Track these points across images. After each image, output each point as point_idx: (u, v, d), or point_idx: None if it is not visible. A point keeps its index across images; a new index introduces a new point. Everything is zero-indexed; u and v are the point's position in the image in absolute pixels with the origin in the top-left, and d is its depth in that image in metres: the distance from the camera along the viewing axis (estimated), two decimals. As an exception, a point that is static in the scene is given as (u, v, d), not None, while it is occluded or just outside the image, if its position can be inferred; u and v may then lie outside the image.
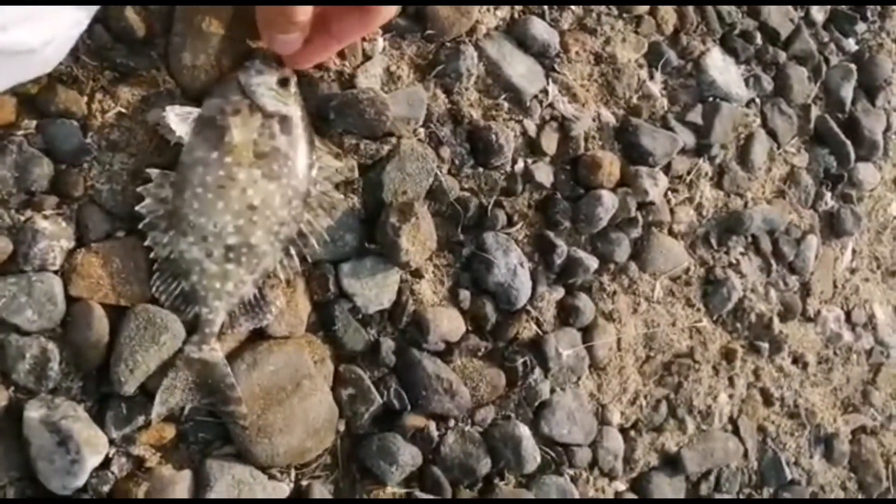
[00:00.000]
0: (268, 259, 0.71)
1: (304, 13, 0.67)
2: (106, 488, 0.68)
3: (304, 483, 0.77)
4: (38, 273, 0.67)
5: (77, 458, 0.65)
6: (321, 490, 0.77)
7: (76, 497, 0.67)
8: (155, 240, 0.69)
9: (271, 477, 0.75)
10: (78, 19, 0.63)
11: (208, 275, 0.69)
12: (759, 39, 1.04)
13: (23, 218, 0.67)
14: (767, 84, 1.04)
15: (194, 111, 0.70)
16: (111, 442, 0.69)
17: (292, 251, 0.73)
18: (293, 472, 0.76)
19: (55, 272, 0.68)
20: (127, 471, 0.70)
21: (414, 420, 0.80)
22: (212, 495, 0.71)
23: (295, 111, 0.72)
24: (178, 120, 0.68)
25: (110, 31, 0.71)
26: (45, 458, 0.65)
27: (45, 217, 0.68)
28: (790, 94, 1.05)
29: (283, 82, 0.72)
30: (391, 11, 0.70)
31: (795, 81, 1.06)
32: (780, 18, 1.05)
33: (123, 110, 0.71)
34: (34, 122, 0.68)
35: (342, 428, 0.79)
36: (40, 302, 0.67)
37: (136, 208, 0.68)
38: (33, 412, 0.66)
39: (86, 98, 0.71)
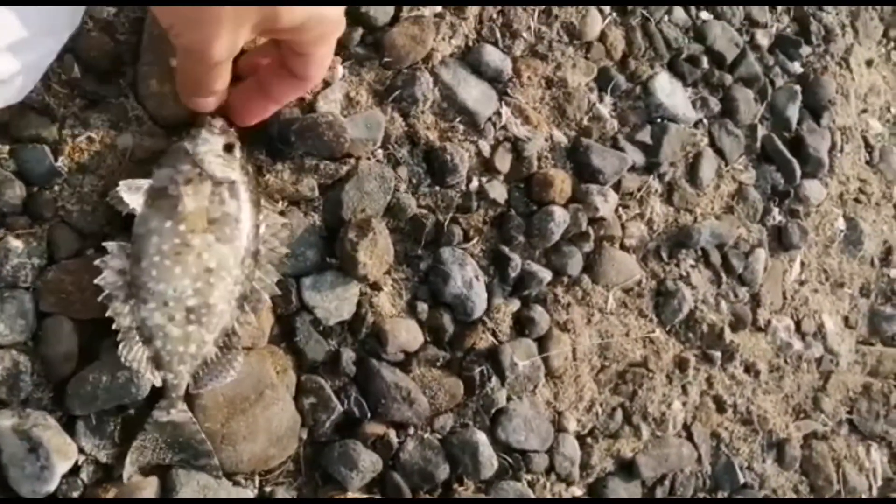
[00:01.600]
0: (226, 317, 0.74)
1: (223, 82, 0.72)
2: (75, 494, 0.72)
3: (268, 489, 0.80)
4: (10, 290, 0.71)
5: (47, 464, 0.69)
6: (284, 496, 0.80)
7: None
8: (116, 310, 0.71)
9: (235, 483, 0.78)
10: (48, 50, 0.67)
11: (171, 339, 0.72)
12: (705, 63, 1.09)
13: (-5, 237, 0.71)
14: (714, 105, 1.09)
15: (145, 183, 0.72)
16: (80, 450, 0.72)
17: (247, 307, 0.75)
18: (257, 479, 0.80)
19: (27, 289, 0.72)
20: (96, 478, 0.73)
21: (374, 428, 0.84)
22: (177, 501, 0.74)
23: (242, 176, 0.75)
24: (130, 192, 0.71)
25: (80, 61, 0.75)
26: (16, 464, 0.69)
27: (18, 236, 0.72)
28: (737, 114, 1.10)
29: (229, 148, 0.75)
30: (323, 74, 0.76)
31: (742, 103, 1.11)
32: (725, 43, 1.10)
33: (93, 135, 0.76)
34: (7, 147, 0.73)
35: (304, 435, 0.82)
36: (12, 317, 0.71)
37: (95, 281, 0.70)
38: (5, 421, 0.69)
39: (57, 124, 0.75)
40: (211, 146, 0.74)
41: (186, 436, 0.74)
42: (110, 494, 0.72)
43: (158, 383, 0.73)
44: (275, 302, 0.81)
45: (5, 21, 0.59)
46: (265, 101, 0.77)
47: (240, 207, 0.74)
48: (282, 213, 0.81)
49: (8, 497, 0.69)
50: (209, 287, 0.72)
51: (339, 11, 0.70)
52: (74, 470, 0.72)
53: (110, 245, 0.71)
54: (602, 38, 1.03)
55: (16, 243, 0.71)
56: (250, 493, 0.79)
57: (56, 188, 0.74)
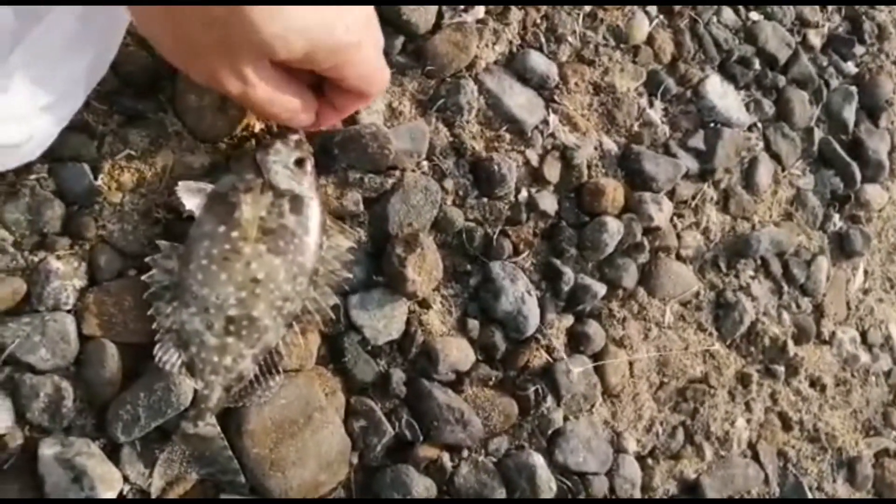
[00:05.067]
0: (269, 334, 0.71)
1: (281, 106, 0.67)
2: (120, 525, 0.69)
3: (319, 517, 0.76)
4: (51, 313, 0.69)
5: (91, 493, 0.66)
6: (336, 524, 0.76)
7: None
8: (158, 310, 0.69)
9: (285, 512, 0.75)
10: (60, 118, 0.66)
11: (207, 347, 0.69)
12: (757, 65, 1.05)
13: (36, 259, 0.69)
14: (768, 108, 1.05)
15: (207, 186, 0.71)
16: (125, 479, 0.69)
17: (296, 328, 0.72)
18: (307, 506, 0.76)
19: (68, 311, 0.69)
20: (141, 507, 0.70)
21: (427, 451, 0.80)
22: (226, 531, 0.71)
23: (308, 191, 0.73)
24: (190, 195, 0.70)
25: (119, 77, 0.73)
26: (59, 494, 0.66)
27: (58, 258, 0.70)
28: (792, 117, 1.06)
29: (300, 162, 0.73)
30: (385, 84, 0.72)
31: (797, 105, 1.06)
32: (777, 44, 1.06)
33: (133, 152, 0.73)
34: (46, 166, 0.71)
35: (355, 460, 0.78)
36: (54, 341, 0.68)
37: (142, 278, 0.69)
38: (48, 450, 0.66)
39: (96, 142, 0.73)
40: (281, 157, 0.72)
41: (213, 450, 0.71)
42: (156, 525, 0.69)
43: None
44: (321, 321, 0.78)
45: (26, 84, 0.59)
46: (330, 112, 0.73)
47: (300, 223, 0.71)
48: (347, 237, 0.77)
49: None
50: (254, 298, 0.69)
51: (349, 32, 0.63)
52: (120, 499, 0.69)
53: (163, 244, 0.70)
54: (650, 41, 0.99)
55: (56, 265, 0.69)
56: (300, 522, 0.75)
57: (96, 207, 0.72)
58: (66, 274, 0.69)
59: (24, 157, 0.65)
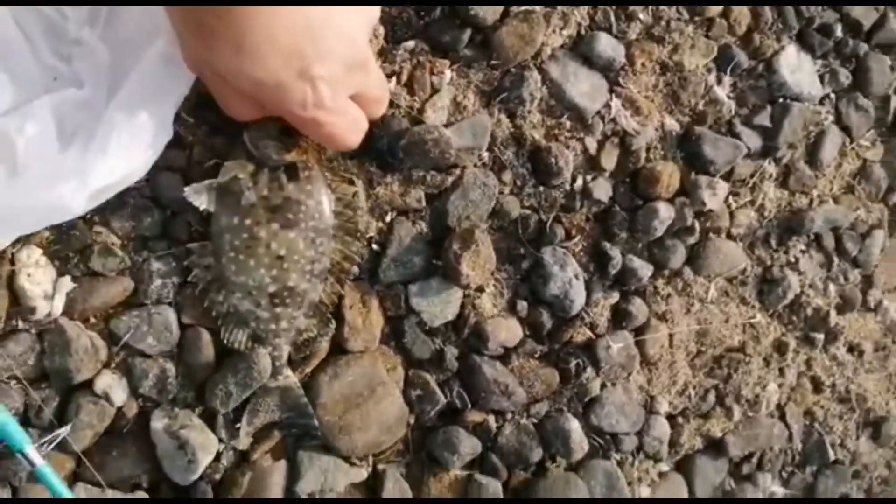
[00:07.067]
0: (311, 294, 0.81)
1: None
2: (217, 476, 0.84)
3: (381, 467, 0.90)
4: (156, 306, 0.81)
5: (193, 458, 0.81)
6: (393, 473, 0.90)
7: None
8: (212, 301, 0.80)
9: (352, 464, 0.89)
10: (154, 153, 0.73)
11: (263, 320, 0.80)
12: (839, 32, 1.01)
13: (140, 259, 0.80)
14: (845, 78, 1.02)
15: (212, 182, 0.77)
16: (220, 440, 0.84)
17: (331, 279, 0.82)
18: (371, 459, 0.90)
19: (169, 304, 0.81)
20: (234, 462, 0.85)
21: (474, 416, 0.92)
22: (302, 482, 0.86)
23: (298, 155, 0.78)
24: (198, 195, 0.77)
25: (200, 92, 0.80)
26: (168, 457, 0.81)
27: (159, 258, 0.81)
28: (868, 86, 1.04)
29: (285, 130, 0.76)
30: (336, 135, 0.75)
31: (876, 73, 1.03)
32: (863, 10, 1.02)
33: (220, 160, 0.81)
34: (144, 177, 0.80)
35: (412, 421, 0.91)
36: (159, 330, 0.81)
37: (188, 279, 0.80)
38: (157, 422, 0.81)
39: (186, 151, 0.81)
40: (266, 131, 0.76)
41: (292, 398, 0.84)
42: (246, 477, 0.84)
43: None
44: (385, 306, 0.88)
45: (122, 140, 0.66)
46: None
47: (300, 188, 0.78)
48: (350, 182, 0.83)
49: (162, 478, 0.83)
50: (284, 272, 0.78)
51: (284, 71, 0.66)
52: (216, 457, 0.84)
53: (193, 246, 0.80)
54: (726, 12, 0.97)
55: (157, 265, 0.80)
56: (364, 472, 0.90)
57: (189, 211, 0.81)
58: (166, 272, 0.81)
59: (123, 185, 0.74)
